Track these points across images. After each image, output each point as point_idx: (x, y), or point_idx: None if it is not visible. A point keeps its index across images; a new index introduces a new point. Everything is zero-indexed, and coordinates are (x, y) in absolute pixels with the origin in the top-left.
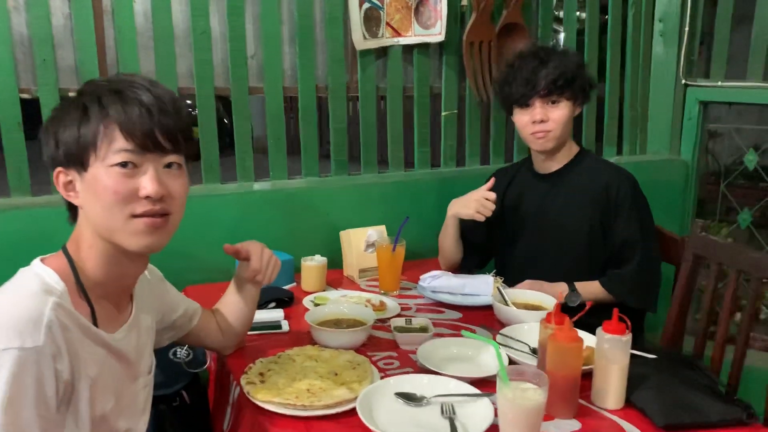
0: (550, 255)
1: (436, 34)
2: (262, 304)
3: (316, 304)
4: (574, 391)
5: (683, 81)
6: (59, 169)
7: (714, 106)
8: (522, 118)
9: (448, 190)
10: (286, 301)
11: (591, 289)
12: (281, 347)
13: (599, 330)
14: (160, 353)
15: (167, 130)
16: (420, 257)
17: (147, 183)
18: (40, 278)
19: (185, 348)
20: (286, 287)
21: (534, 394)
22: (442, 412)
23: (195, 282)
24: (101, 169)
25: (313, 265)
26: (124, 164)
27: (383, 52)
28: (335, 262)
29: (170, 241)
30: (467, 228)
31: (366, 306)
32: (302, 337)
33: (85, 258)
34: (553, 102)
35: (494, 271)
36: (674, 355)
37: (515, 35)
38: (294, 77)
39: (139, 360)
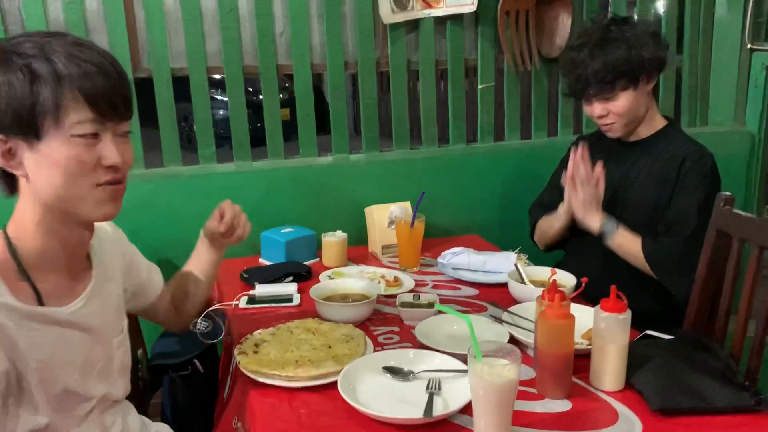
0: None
1: (469, 4)
2: (279, 278)
3: (332, 279)
4: (566, 370)
5: (749, 45)
6: (1, 137)
7: None
8: (586, 109)
9: (485, 165)
10: (304, 275)
11: (628, 237)
12: (287, 320)
13: (596, 308)
14: None
15: (125, 97)
16: (452, 234)
17: (110, 153)
18: None
19: (203, 319)
20: (307, 263)
21: (504, 370)
22: (428, 387)
23: (224, 256)
24: (61, 138)
25: (333, 240)
26: (89, 135)
27: (414, 25)
28: (362, 238)
29: (200, 217)
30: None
31: (379, 282)
32: (312, 311)
33: (31, 234)
34: (607, 97)
35: (519, 248)
36: (691, 337)
37: (557, 3)
38: (323, 54)
39: (106, 326)
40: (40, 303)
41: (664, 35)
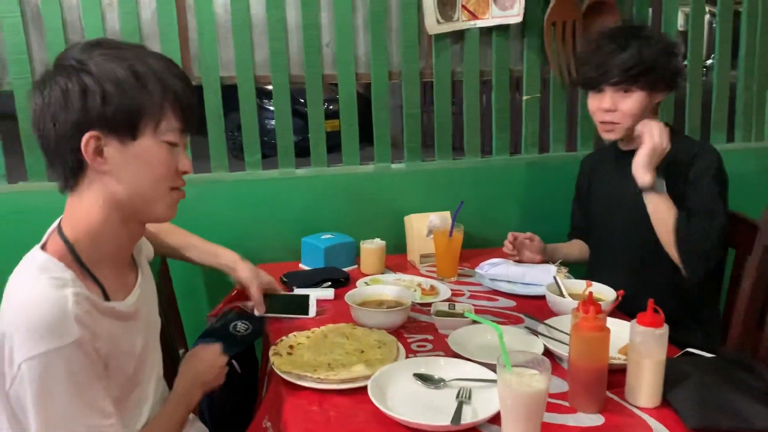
0: (622, 240)
1: (515, 15)
2: (317, 283)
3: (369, 286)
4: (599, 384)
5: None
6: (94, 133)
7: None
8: (593, 103)
9: (528, 176)
10: (342, 281)
11: (670, 207)
12: (322, 324)
13: (633, 322)
14: (221, 326)
15: (197, 112)
16: (492, 245)
17: (186, 161)
18: (48, 272)
19: (244, 322)
20: (346, 269)
21: (533, 381)
22: (458, 395)
23: (265, 261)
24: (154, 141)
25: (371, 248)
26: (174, 142)
27: (460, 35)
28: (401, 247)
29: (245, 222)
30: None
31: (415, 290)
32: (348, 316)
33: (94, 234)
34: (625, 91)
35: (560, 261)
36: (733, 356)
37: (604, 14)
38: (368, 64)
39: (153, 314)
40: (106, 298)
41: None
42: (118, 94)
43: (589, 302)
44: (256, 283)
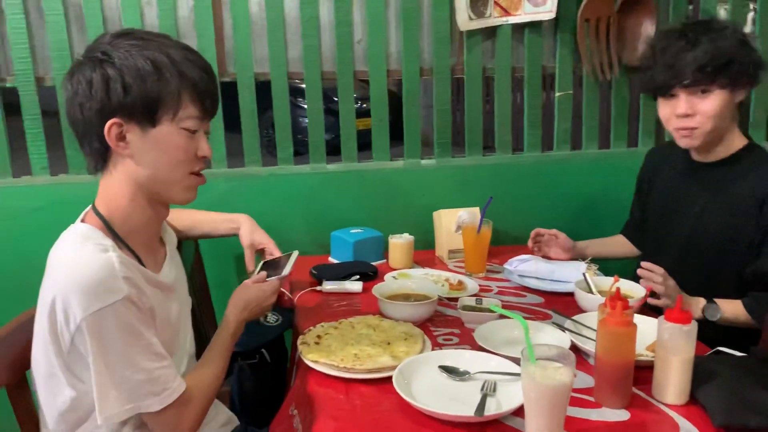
0: (679, 256)
1: (547, 11)
2: (346, 276)
3: (397, 280)
4: (625, 379)
5: None
6: (116, 120)
7: None
8: (665, 110)
9: (560, 174)
10: (370, 275)
11: (730, 308)
12: (350, 315)
13: (660, 318)
14: None
15: (218, 99)
16: (522, 242)
17: (205, 146)
18: (91, 239)
19: (275, 313)
20: (374, 263)
21: (557, 374)
22: (483, 388)
23: None
24: (172, 128)
25: (399, 242)
26: (193, 129)
27: (492, 32)
28: (429, 242)
29: (276, 215)
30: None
31: (443, 285)
32: (375, 309)
33: (124, 210)
34: (703, 91)
35: (589, 258)
36: (765, 356)
37: (640, 10)
38: (400, 61)
39: (183, 286)
40: (142, 266)
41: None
42: (137, 84)
43: (617, 298)
44: (247, 240)
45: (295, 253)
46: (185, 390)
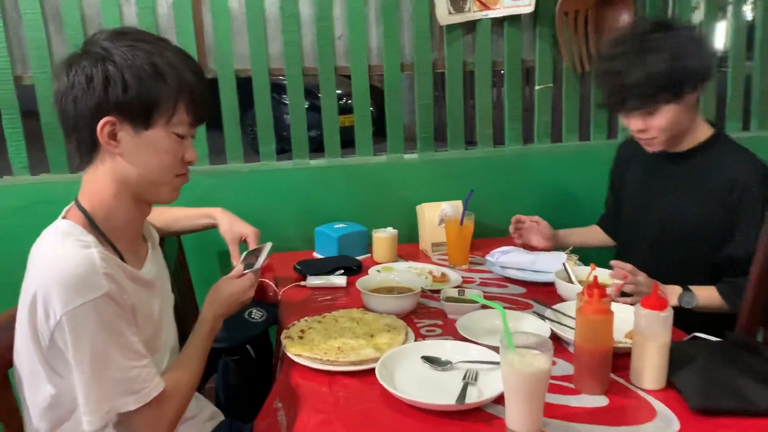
0: (651, 245)
1: (526, 5)
2: (330, 271)
3: (380, 273)
4: (603, 366)
5: None
6: (111, 118)
7: None
8: (623, 122)
9: (540, 166)
10: (354, 269)
11: (704, 294)
12: (334, 309)
13: (637, 305)
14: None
15: (211, 108)
16: (505, 234)
17: (192, 152)
18: (72, 235)
19: (260, 309)
20: (358, 258)
21: (535, 360)
22: (464, 377)
23: (280, 250)
24: (164, 132)
25: (383, 236)
26: (183, 134)
27: (471, 26)
28: (413, 236)
29: (257, 212)
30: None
31: (426, 277)
32: (359, 303)
33: (107, 206)
34: (649, 113)
35: (570, 248)
36: (740, 340)
37: (618, 3)
38: (381, 56)
39: (165, 282)
40: (123, 262)
41: (708, 40)
42: (137, 85)
43: (594, 286)
44: (229, 236)
45: (269, 245)
46: (163, 390)
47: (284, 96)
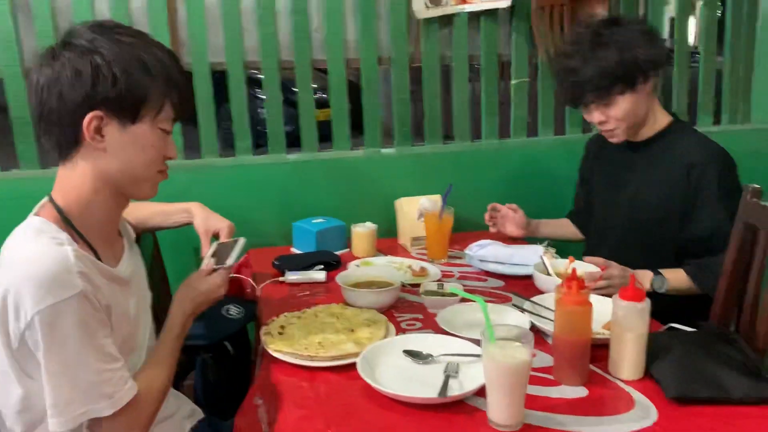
0: (620, 231)
1: None
2: (309, 266)
3: (360, 268)
4: (582, 357)
5: None
6: (97, 113)
7: None
8: (584, 114)
9: (517, 160)
10: (333, 264)
11: (674, 277)
12: (314, 304)
13: (615, 297)
14: (212, 309)
15: (193, 104)
16: (483, 228)
17: (173, 148)
18: (46, 233)
19: (237, 306)
20: (337, 252)
21: (516, 352)
22: (446, 370)
23: (258, 245)
24: (150, 127)
25: (362, 231)
26: (167, 130)
27: (448, 20)
28: (392, 230)
29: (233, 207)
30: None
31: (406, 271)
32: (339, 298)
33: (84, 202)
34: (605, 104)
35: (547, 242)
36: (715, 330)
37: None
38: (358, 49)
39: (141, 280)
40: (98, 261)
41: (657, 32)
42: (126, 79)
43: (572, 278)
44: (201, 229)
45: (242, 241)
46: (137, 393)
47: (257, 90)
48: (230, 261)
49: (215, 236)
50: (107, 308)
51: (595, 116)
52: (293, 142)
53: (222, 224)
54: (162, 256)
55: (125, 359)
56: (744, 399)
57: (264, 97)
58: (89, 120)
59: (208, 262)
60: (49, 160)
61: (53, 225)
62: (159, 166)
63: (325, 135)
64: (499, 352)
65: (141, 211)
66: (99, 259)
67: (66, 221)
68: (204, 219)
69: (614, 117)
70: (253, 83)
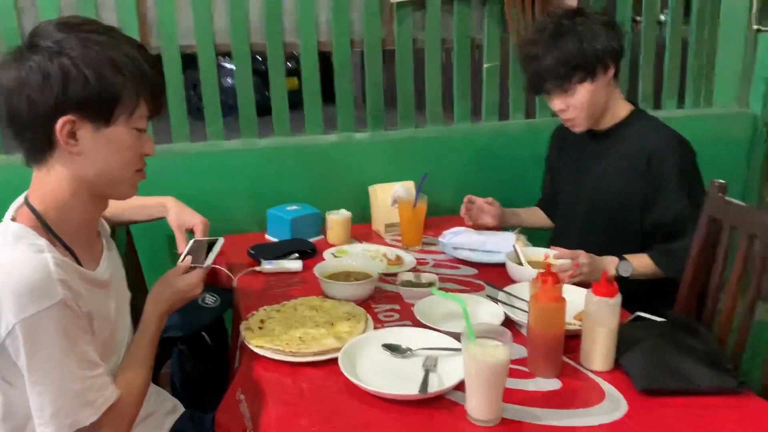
0: (586, 222)
1: None
2: (284, 254)
3: (336, 257)
4: (556, 351)
5: (755, 26)
6: (70, 117)
7: None
8: (547, 103)
9: (489, 144)
10: (309, 252)
11: (638, 262)
12: (292, 297)
13: (588, 292)
14: None
15: (165, 98)
16: (456, 213)
17: (150, 144)
18: (24, 239)
19: (213, 294)
20: (312, 240)
21: (495, 352)
22: (425, 364)
23: (232, 232)
24: (125, 127)
25: (337, 219)
26: (142, 129)
27: (421, 3)
28: (366, 216)
29: (205, 194)
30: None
31: (381, 260)
32: (317, 288)
33: (63, 206)
34: (565, 90)
35: (518, 229)
36: (680, 321)
37: None
38: (330, 32)
39: (120, 281)
40: (78, 265)
41: (618, 24)
42: (97, 80)
43: (548, 273)
44: (175, 223)
45: (221, 240)
46: (118, 398)
47: (219, 58)
48: (208, 261)
49: (189, 231)
50: (88, 314)
51: (555, 104)
52: (259, 111)
53: (196, 220)
54: (136, 248)
55: (105, 361)
56: (708, 389)
57: (227, 65)
58: (62, 125)
59: (184, 259)
60: (12, 146)
61: (31, 231)
62: (137, 166)
63: (294, 103)
64: (480, 351)
65: (116, 206)
66: (79, 263)
67: (44, 226)
68: (177, 214)
69: (574, 105)
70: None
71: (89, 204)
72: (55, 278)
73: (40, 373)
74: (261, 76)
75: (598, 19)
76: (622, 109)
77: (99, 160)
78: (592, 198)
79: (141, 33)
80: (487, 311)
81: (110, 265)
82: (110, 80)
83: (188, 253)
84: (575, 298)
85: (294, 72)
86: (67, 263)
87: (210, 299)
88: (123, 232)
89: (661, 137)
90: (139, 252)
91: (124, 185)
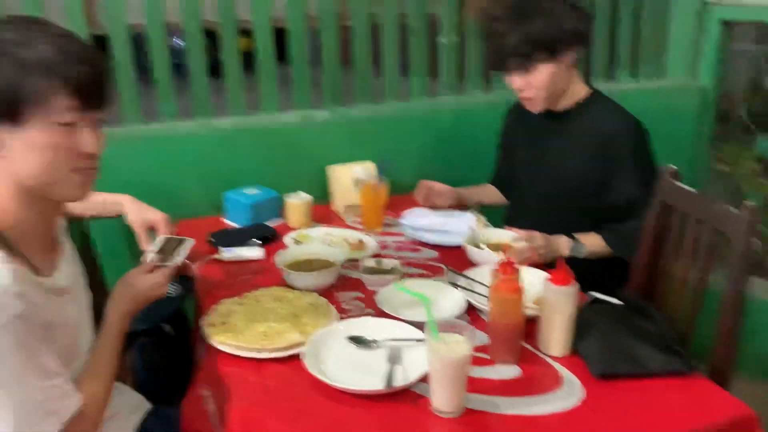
0: (542, 201)
1: None
2: (245, 241)
3: (297, 242)
4: (516, 338)
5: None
6: None
7: (740, 27)
8: (506, 81)
9: (447, 121)
10: (269, 237)
11: (590, 242)
12: (254, 288)
13: (545, 280)
14: None
15: (105, 86)
16: (412, 190)
17: (89, 141)
18: None
19: (173, 283)
20: (272, 223)
21: (458, 347)
22: (389, 357)
23: (188, 216)
24: (44, 125)
25: (297, 203)
26: (70, 123)
27: None
28: (325, 197)
29: (159, 177)
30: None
31: (343, 245)
32: (279, 275)
33: (10, 213)
34: (526, 69)
35: (477, 209)
36: (634, 304)
37: None
38: (285, 8)
39: (80, 286)
40: (35, 274)
41: (584, 8)
42: None
43: (508, 264)
44: (137, 224)
45: (191, 241)
46: (82, 404)
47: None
48: (177, 259)
49: (151, 230)
50: (48, 325)
51: (515, 82)
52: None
53: (157, 216)
54: (95, 246)
55: (68, 367)
56: (660, 373)
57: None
58: None
59: (150, 258)
60: None
61: None
62: (71, 165)
63: (246, 64)
64: (443, 347)
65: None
66: (36, 270)
67: None
68: (138, 213)
69: (534, 85)
70: None
71: (35, 207)
72: (10, 291)
73: (1, 385)
74: (211, 36)
75: (566, 6)
76: (580, 91)
77: (25, 162)
78: (549, 178)
79: (87, 11)
80: (450, 298)
81: (69, 269)
82: (10, 82)
83: (156, 251)
84: (535, 280)
85: (246, 33)
86: (24, 273)
87: (171, 288)
88: (77, 229)
89: (616, 120)
90: (97, 249)
91: (63, 187)
